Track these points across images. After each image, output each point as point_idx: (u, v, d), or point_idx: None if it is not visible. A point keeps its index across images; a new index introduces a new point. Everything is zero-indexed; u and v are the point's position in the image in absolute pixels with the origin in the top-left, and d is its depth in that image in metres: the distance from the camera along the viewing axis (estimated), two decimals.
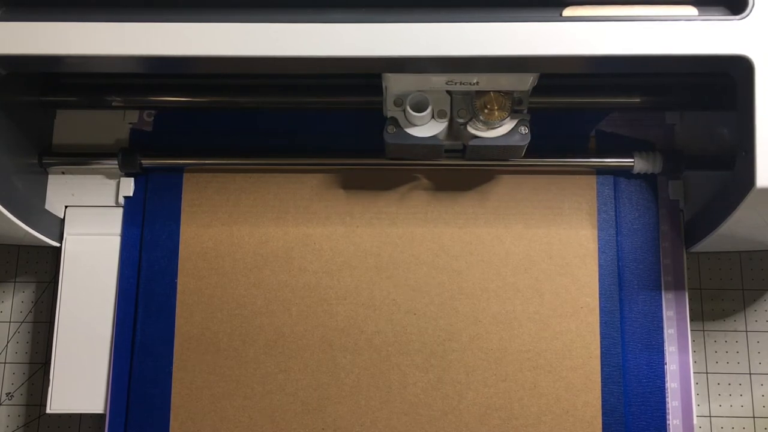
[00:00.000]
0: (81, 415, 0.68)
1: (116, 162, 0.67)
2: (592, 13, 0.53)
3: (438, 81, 0.57)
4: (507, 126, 0.59)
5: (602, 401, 0.62)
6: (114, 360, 0.65)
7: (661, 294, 0.65)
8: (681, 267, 0.65)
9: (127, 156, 0.66)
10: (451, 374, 0.63)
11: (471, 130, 0.59)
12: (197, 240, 0.67)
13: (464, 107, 0.59)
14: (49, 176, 0.69)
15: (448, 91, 0.59)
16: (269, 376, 0.64)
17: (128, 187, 0.68)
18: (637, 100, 0.66)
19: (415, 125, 0.60)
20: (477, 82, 0.57)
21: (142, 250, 0.67)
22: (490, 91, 0.58)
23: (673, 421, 0.62)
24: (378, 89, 0.61)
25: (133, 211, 0.68)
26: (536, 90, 0.59)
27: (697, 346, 0.67)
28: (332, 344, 0.64)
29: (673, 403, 0.63)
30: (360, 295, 0.65)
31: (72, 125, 0.70)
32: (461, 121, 0.59)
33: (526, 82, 0.57)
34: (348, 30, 0.53)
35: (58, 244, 0.67)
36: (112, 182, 0.68)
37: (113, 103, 0.68)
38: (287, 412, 0.63)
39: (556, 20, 0.53)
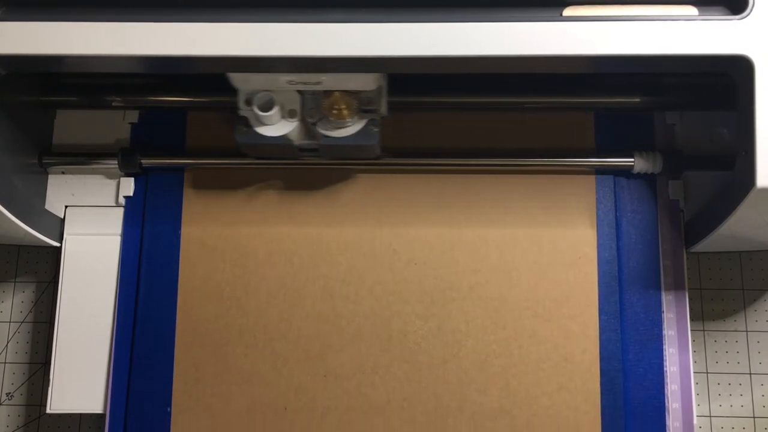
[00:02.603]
0: (81, 415, 0.68)
1: (116, 162, 0.67)
2: (592, 13, 0.53)
3: (283, 80, 0.57)
4: (357, 126, 0.59)
5: (600, 348, 0.63)
6: (114, 360, 0.65)
7: (661, 294, 0.64)
8: (681, 267, 0.65)
9: (127, 156, 0.66)
10: (451, 323, 0.64)
11: (321, 129, 0.59)
12: (197, 240, 0.66)
13: (314, 107, 0.59)
14: (49, 176, 0.69)
15: (299, 91, 0.59)
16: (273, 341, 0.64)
17: (128, 186, 0.68)
18: (637, 100, 0.66)
19: (265, 124, 0.59)
20: (320, 82, 0.57)
21: (143, 250, 0.67)
22: (336, 91, 0.58)
23: (674, 422, 0.62)
24: None
25: (134, 211, 0.68)
26: (536, 90, 0.59)
27: (697, 347, 0.67)
28: (333, 294, 0.64)
29: (673, 404, 0.63)
30: (361, 246, 0.65)
31: (72, 125, 0.70)
32: (311, 120, 0.59)
33: (371, 82, 0.57)
34: (349, 29, 0.53)
35: (58, 244, 0.67)
36: (112, 182, 0.68)
37: (113, 103, 0.68)
38: (289, 360, 0.64)
39: (556, 20, 0.53)
